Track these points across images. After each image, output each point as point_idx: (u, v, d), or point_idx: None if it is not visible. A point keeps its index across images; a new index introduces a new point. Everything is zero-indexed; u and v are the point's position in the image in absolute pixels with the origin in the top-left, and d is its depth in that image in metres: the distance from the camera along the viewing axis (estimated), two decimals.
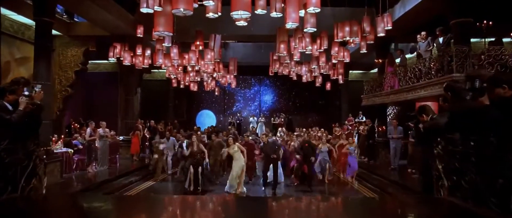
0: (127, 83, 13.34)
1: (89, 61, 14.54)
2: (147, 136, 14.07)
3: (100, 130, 10.33)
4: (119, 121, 14.36)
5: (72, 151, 9.65)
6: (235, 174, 7.90)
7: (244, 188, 8.16)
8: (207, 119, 22.20)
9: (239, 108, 23.00)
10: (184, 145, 9.70)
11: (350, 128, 16.77)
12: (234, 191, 7.97)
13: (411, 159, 10.03)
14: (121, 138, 14.11)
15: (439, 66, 7.93)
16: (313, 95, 20.63)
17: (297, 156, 8.55)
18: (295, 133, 15.45)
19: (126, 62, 9.83)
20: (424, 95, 8.59)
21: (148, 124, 15.45)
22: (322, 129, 14.47)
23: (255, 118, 21.23)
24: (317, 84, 15.60)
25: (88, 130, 9.85)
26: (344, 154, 10.34)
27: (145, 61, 10.17)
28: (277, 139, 9.45)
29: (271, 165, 8.18)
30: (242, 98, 23.09)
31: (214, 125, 16.64)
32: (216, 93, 15.56)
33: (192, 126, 21.50)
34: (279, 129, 16.69)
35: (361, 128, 13.50)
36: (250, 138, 10.90)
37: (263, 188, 8.09)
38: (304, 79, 15.09)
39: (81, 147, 10.18)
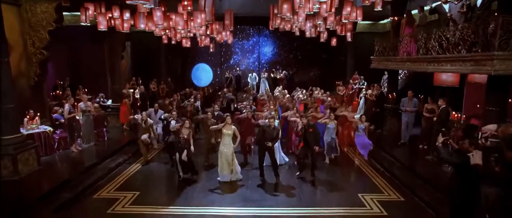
0: (112, 46, 11.89)
1: (69, 13, 12.87)
2: (138, 101, 13.08)
3: (82, 104, 9.28)
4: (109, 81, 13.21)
5: (51, 129, 8.70)
6: (225, 161, 7.10)
7: (240, 175, 7.43)
8: (203, 73, 20.92)
9: (237, 60, 21.60)
10: (173, 123, 8.74)
11: (355, 87, 15.72)
12: (229, 180, 7.25)
13: (424, 134, 9.21)
14: (109, 102, 13.14)
15: (474, 38, 6.58)
16: (316, 49, 19.06)
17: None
18: (296, 93, 14.45)
19: (102, 27, 8.36)
20: (450, 70, 7.40)
21: (138, 88, 14.33)
22: (327, 92, 13.46)
23: (254, 74, 19.96)
24: (322, 40, 14.12)
25: (66, 106, 8.79)
26: (348, 126, 9.51)
27: (125, 25, 8.70)
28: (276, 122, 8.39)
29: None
30: (240, 51, 21.55)
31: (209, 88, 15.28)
32: (211, 49, 14.09)
33: (186, 83, 20.41)
34: (277, 88, 15.59)
35: (369, 92, 12.44)
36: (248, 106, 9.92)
37: (261, 179, 7.33)
38: (307, 34, 13.57)
39: (63, 121, 9.23)
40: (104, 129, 10.22)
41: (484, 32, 6.37)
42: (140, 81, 17.49)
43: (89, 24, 9.05)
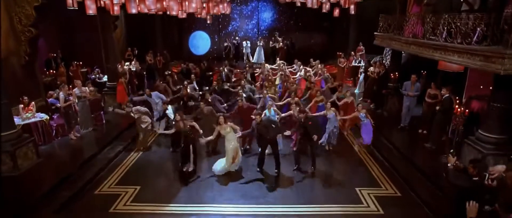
0: (103, 21, 11.32)
1: None
2: (134, 77, 12.80)
3: (76, 90, 9.06)
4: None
5: (48, 117, 8.58)
6: (230, 158, 7.11)
7: (239, 164, 7.49)
8: (200, 40, 20.32)
9: (235, 27, 20.81)
10: (170, 112, 8.63)
11: (357, 58, 15.30)
12: (224, 172, 7.33)
13: (424, 119, 9.14)
14: (105, 77, 12.86)
15: (486, 31, 6.20)
16: (318, 16, 18.23)
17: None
18: (296, 68, 14.09)
19: (90, 12, 7.85)
20: (457, 62, 7.08)
21: (134, 63, 13.94)
22: (325, 70, 13.11)
23: (248, 42, 19.27)
24: (324, 11, 13.45)
25: (61, 94, 8.57)
26: (350, 112, 9.40)
27: (115, 8, 8.17)
28: (273, 115, 8.23)
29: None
30: (238, 16, 20.67)
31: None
32: (208, 21, 13.45)
33: (184, 53, 19.83)
34: (278, 62, 15.13)
35: (371, 69, 12.11)
36: (244, 95, 9.68)
37: (258, 170, 7.37)
38: (309, 5, 12.89)
39: (59, 105, 9.07)
40: (102, 112, 10.08)
41: (497, 26, 6.00)
42: (136, 51, 17.02)
43: (76, 8, 8.47)
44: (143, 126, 8.29)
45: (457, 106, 7.08)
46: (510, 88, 6.31)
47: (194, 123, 7.42)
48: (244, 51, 19.26)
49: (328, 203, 6.31)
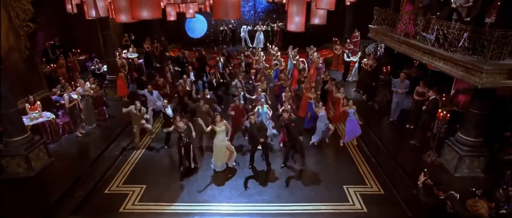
0: (101, 21, 11.41)
1: None
2: (133, 69, 13.06)
3: (80, 89, 9.43)
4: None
5: (54, 117, 9.02)
6: (219, 155, 7.73)
7: (234, 162, 8.08)
8: (197, 24, 20.22)
9: None
10: (169, 111, 9.07)
11: (352, 46, 15.54)
12: (222, 169, 7.95)
13: (412, 115, 9.67)
14: (104, 67, 13.09)
15: (469, 43, 6.56)
16: None
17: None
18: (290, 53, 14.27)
19: (90, 17, 8.01)
20: (442, 68, 7.47)
21: (130, 48, 14.08)
22: (321, 59, 13.37)
23: (246, 27, 19.28)
24: None
25: (66, 96, 8.94)
26: (340, 106, 9.88)
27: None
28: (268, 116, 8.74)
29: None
30: None
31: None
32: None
33: (182, 35, 19.80)
34: (272, 50, 15.29)
35: (365, 61, 12.45)
36: (241, 97, 10.03)
37: (249, 167, 8.02)
38: None
39: (63, 102, 9.48)
40: (104, 107, 10.51)
41: (479, 39, 6.36)
42: (133, 37, 17.08)
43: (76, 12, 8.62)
44: (142, 122, 8.75)
45: (440, 110, 7.56)
46: (486, 98, 6.79)
47: (190, 124, 7.88)
48: (242, 35, 19.30)
49: (317, 201, 6.97)
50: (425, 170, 5.48)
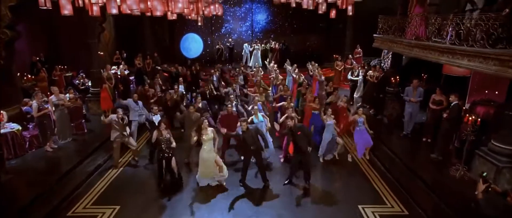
0: (87, 23, 10.62)
1: None
2: (119, 83, 12.05)
3: (53, 98, 8.32)
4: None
5: (20, 128, 7.84)
6: (205, 168, 6.59)
7: (225, 175, 6.83)
8: (193, 43, 19.56)
9: (229, 29, 20.19)
10: (157, 118, 7.96)
11: (355, 62, 14.72)
12: (206, 184, 6.78)
13: (428, 127, 8.58)
14: (90, 82, 12.10)
15: (501, 33, 5.63)
16: (314, 17, 17.68)
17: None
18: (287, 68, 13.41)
19: (66, 12, 7.11)
20: (466, 66, 6.51)
21: (121, 67, 13.20)
22: (321, 73, 12.46)
23: (248, 45, 18.69)
24: (320, 12, 12.87)
25: (34, 103, 7.80)
26: (346, 117, 8.85)
27: (95, 9, 7.47)
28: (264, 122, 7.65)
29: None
30: (231, 18, 20.05)
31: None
32: (199, 23, 12.76)
33: (176, 55, 19.07)
34: (270, 67, 14.47)
35: (370, 73, 11.53)
36: (234, 104, 8.99)
37: (240, 184, 6.78)
38: (305, 6, 12.29)
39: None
40: (83, 121, 9.36)
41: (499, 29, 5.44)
42: (125, 54, 16.30)
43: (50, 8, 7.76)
44: (119, 135, 7.55)
45: (467, 114, 6.50)
46: None
47: (172, 140, 6.65)
48: (243, 53, 18.61)
49: None
50: (485, 174, 4.27)
